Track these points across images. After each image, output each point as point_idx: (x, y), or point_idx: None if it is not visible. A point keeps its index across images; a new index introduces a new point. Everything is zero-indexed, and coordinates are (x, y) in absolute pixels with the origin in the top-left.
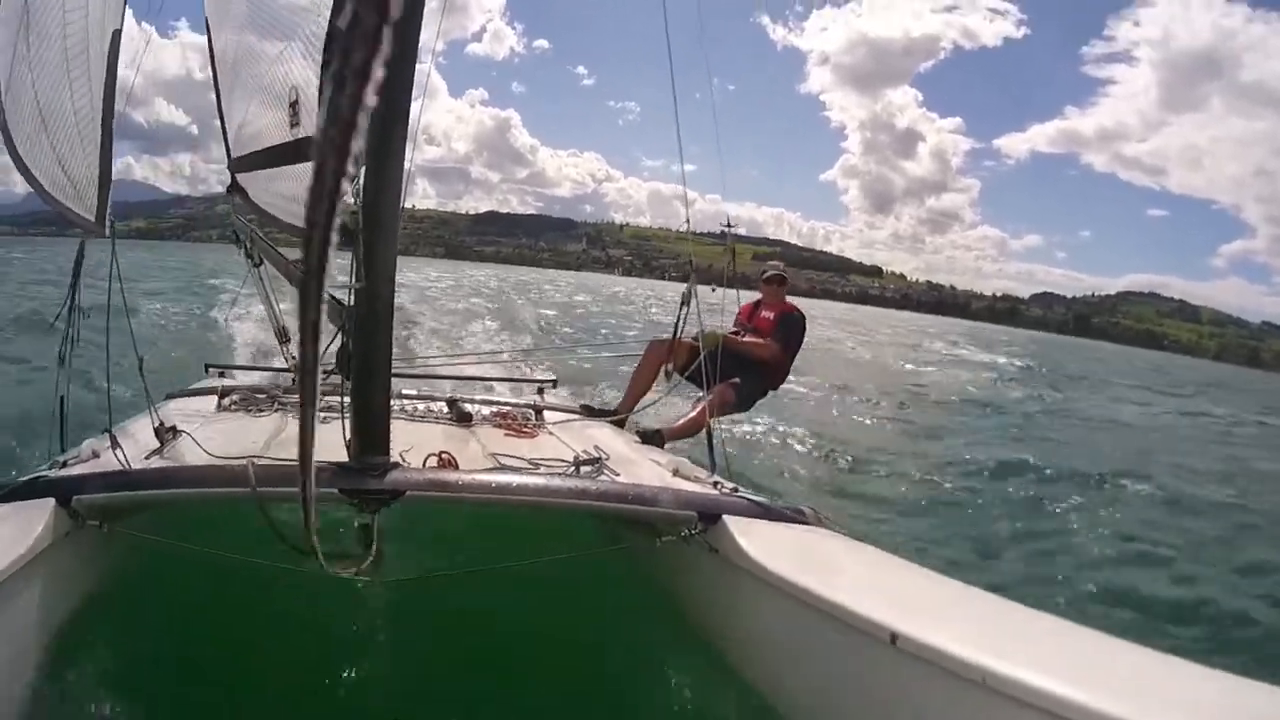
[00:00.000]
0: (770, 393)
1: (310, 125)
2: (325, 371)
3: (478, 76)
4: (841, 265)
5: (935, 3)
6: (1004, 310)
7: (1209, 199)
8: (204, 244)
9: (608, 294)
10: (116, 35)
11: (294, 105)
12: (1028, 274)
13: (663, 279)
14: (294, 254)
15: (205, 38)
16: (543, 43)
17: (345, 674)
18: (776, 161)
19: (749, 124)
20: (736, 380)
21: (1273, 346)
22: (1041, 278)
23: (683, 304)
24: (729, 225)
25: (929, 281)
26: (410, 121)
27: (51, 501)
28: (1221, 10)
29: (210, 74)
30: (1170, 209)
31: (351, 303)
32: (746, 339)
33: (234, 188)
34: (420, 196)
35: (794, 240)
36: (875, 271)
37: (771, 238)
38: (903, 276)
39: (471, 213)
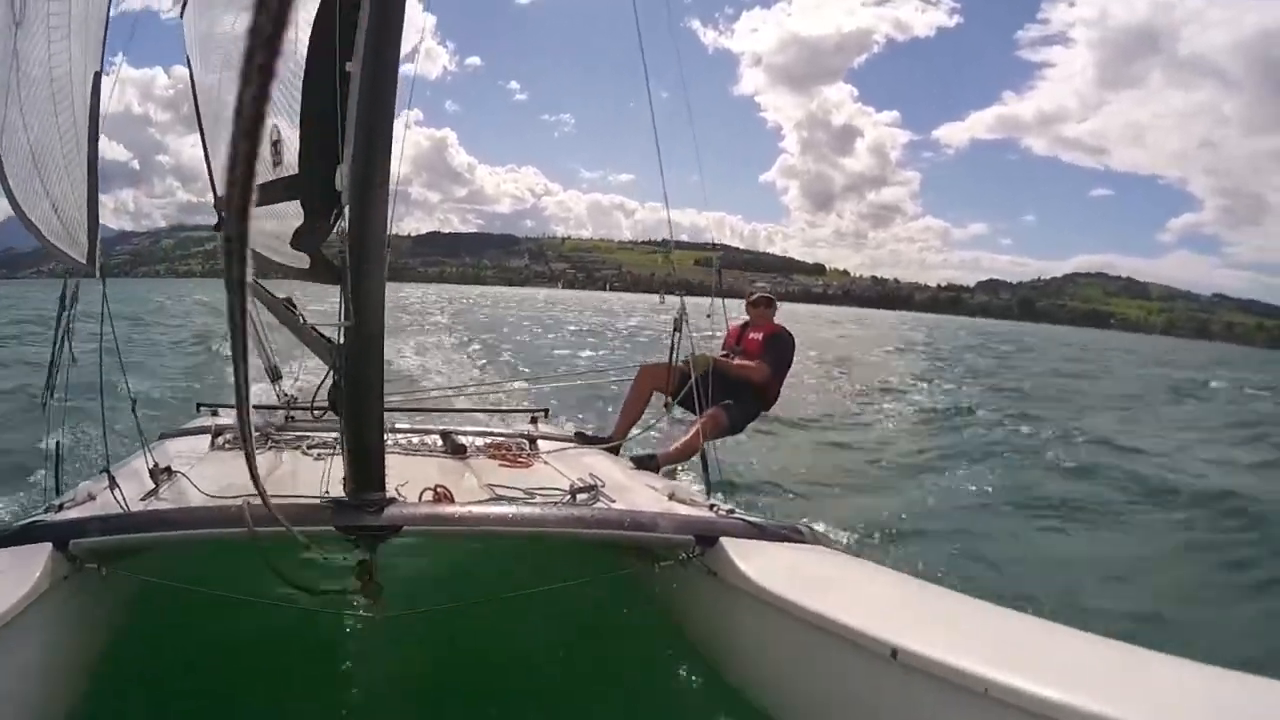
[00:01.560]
0: (763, 414)
1: (293, 164)
2: (319, 409)
3: (412, 97)
4: (785, 265)
5: None
6: (947, 300)
7: (1153, 175)
8: (151, 279)
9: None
10: (97, 77)
11: (276, 144)
12: (973, 262)
13: (602, 289)
14: (282, 292)
15: (143, 71)
16: (474, 59)
17: (347, 709)
18: (715, 165)
19: (686, 129)
20: (729, 403)
21: (1223, 318)
22: (987, 265)
23: (675, 330)
24: (714, 246)
25: (873, 276)
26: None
27: (49, 546)
28: None
29: (194, 112)
30: (1114, 187)
31: (341, 340)
32: (736, 361)
33: (221, 225)
34: None
35: (736, 243)
36: (818, 270)
37: (714, 242)
38: (846, 273)
39: (413, 234)
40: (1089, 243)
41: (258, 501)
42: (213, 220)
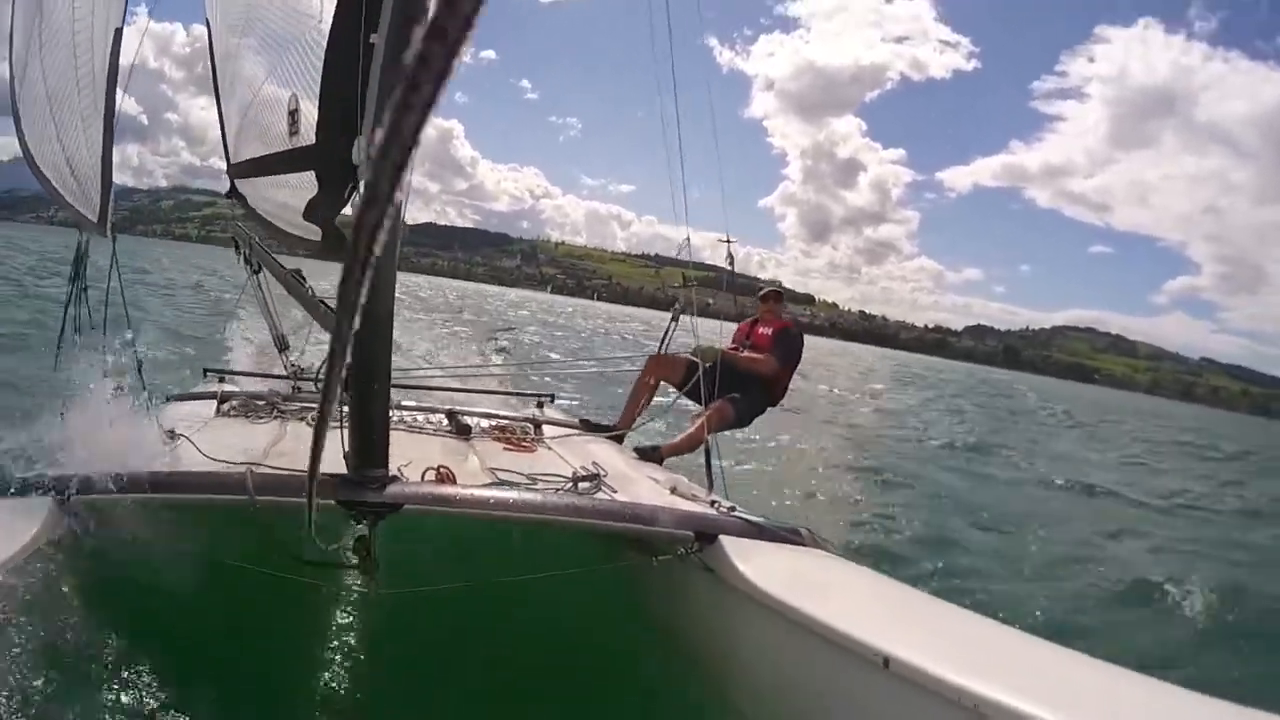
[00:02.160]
0: (770, 409)
1: (309, 134)
2: (324, 381)
3: None
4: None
5: (885, 32)
6: (933, 341)
7: (1154, 236)
8: (149, 239)
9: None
10: (118, 34)
11: (294, 114)
12: (964, 307)
13: (591, 299)
14: (291, 262)
15: (165, 25)
16: (489, 53)
17: (336, 682)
18: (716, 185)
19: (691, 146)
20: (736, 396)
21: (1209, 381)
22: (978, 311)
23: (672, 319)
24: (728, 239)
25: (861, 311)
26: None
27: (49, 500)
28: (1180, 48)
29: (210, 75)
30: (1114, 245)
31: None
32: (745, 354)
33: (233, 193)
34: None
35: (728, 265)
36: (808, 300)
37: (706, 262)
38: (835, 305)
39: (410, 223)
40: (1082, 298)
41: (261, 471)
42: (214, 185)
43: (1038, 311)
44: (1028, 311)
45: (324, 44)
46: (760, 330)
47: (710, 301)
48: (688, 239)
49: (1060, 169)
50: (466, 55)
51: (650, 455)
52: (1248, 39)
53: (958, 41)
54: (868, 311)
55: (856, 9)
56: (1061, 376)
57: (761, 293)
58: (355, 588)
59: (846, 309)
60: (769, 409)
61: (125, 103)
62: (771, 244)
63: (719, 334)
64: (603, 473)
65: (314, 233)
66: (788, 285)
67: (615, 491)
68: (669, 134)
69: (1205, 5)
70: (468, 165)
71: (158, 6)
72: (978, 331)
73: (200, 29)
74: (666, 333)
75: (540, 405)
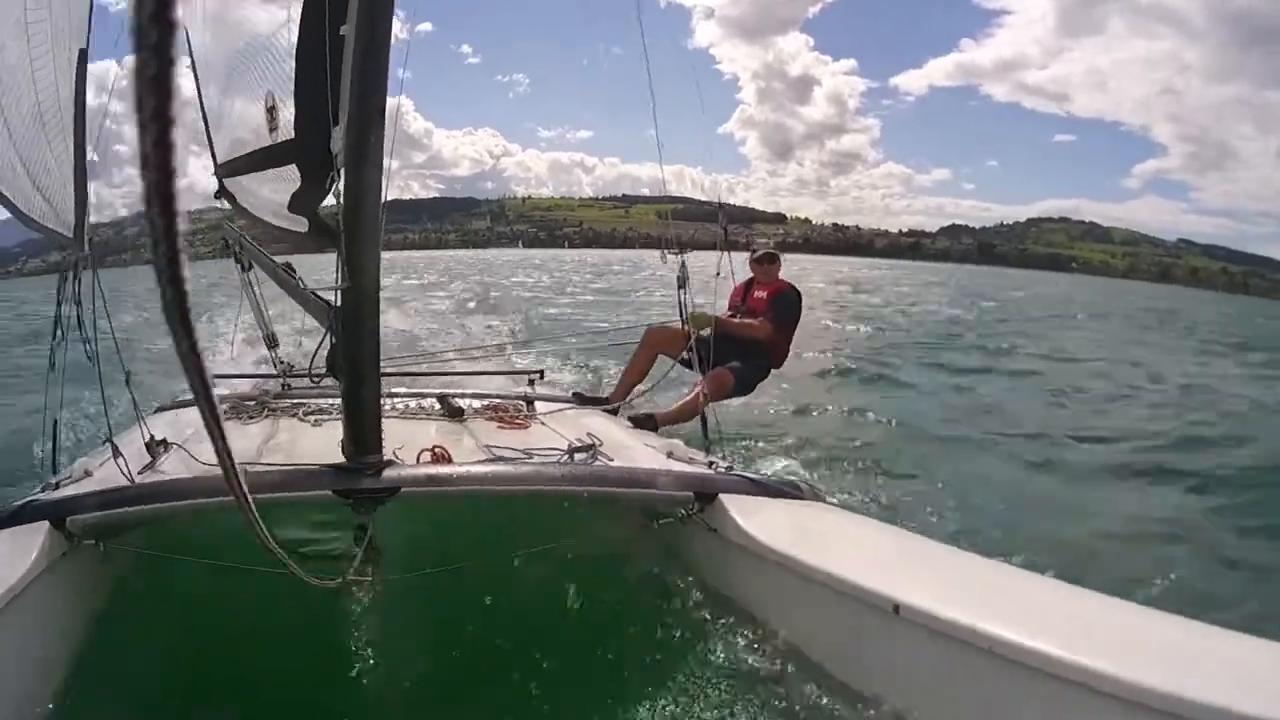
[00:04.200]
0: (773, 372)
1: (288, 129)
2: (316, 375)
3: (408, 59)
4: (745, 216)
5: None
6: (908, 245)
7: (1117, 121)
8: (118, 269)
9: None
10: (83, 54)
11: (271, 111)
12: (937, 208)
13: (563, 247)
14: (283, 258)
15: (101, 64)
16: (426, 26)
17: (349, 675)
18: (672, 119)
19: (642, 84)
20: (735, 364)
21: (1188, 263)
22: (950, 210)
23: (680, 288)
24: (720, 204)
25: (835, 224)
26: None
27: (45, 524)
28: None
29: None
30: (1078, 133)
31: (338, 303)
32: (739, 320)
33: (222, 192)
34: None
35: (698, 195)
36: (779, 219)
37: (675, 194)
38: (807, 221)
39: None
40: (1054, 188)
41: (255, 469)
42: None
43: (1011, 206)
44: (1001, 207)
45: (293, 42)
46: (756, 293)
47: (693, 233)
48: (669, 215)
49: (1013, 62)
50: (401, 31)
51: (645, 424)
52: None
53: None
54: (841, 224)
55: None
56: (1039, 268)
57: (755, 254)
58: (359, 577)
59: (820, 223)
60: (771, 372)
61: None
62: (737, 168)
63: (717, 275)
64: (598, 443)
65: (300, 224)
66: (758, 206)
67: (611, 460)
68: (629, 78)
69: None
70: (423, 137)
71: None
72: (953, 231)
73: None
74: (680, 303)
75: (532, 382)
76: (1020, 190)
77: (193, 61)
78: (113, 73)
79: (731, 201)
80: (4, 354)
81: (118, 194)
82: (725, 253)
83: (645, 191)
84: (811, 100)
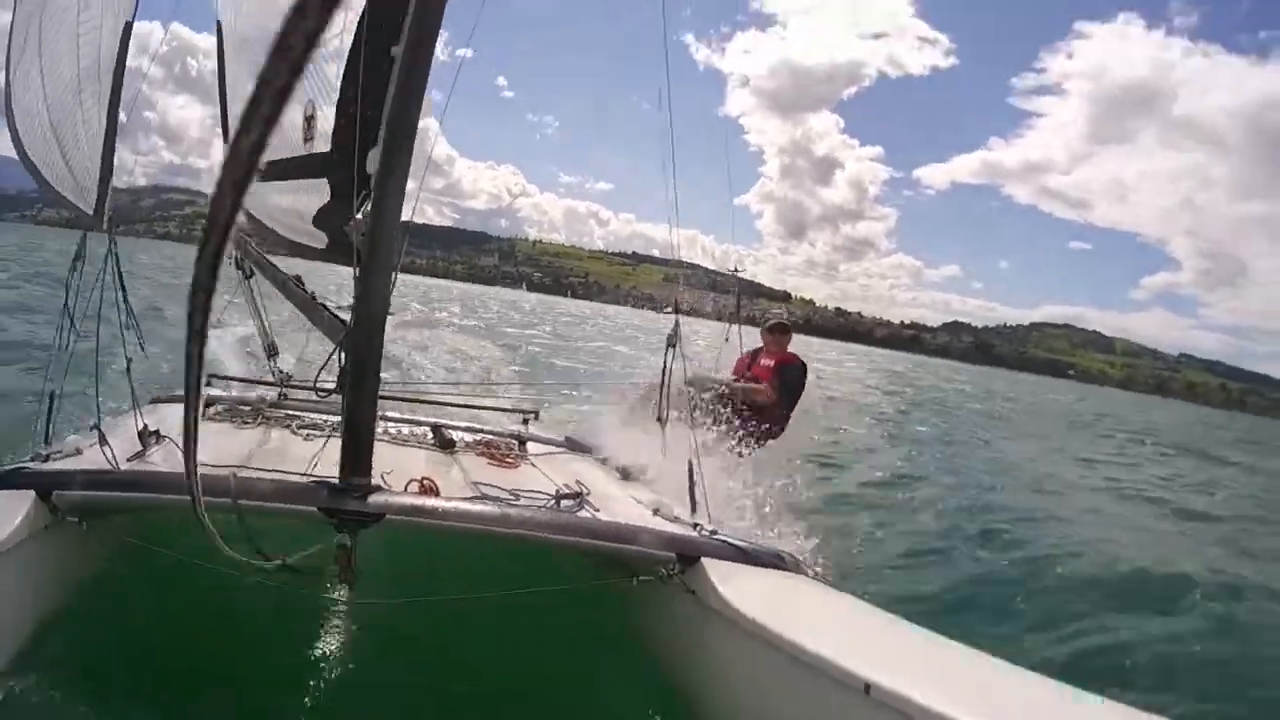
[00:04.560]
0: (770, 443)
1: (324, 142)
2: (322, 390)
3: (455, 83)
4: (752, 290)
5: (862, 29)
6: (908, 337)
7: (1134, 231)
8: (130, 238)
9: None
10: (128, 27)
11: (309, 120)
12: (943, 303)
13: (565, 296)
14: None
15: (144, 24)
16: (465, 51)
17: (308, 685)
18: (693, 183)
19: (668, 144)
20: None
21: (1186, 377)
22: (956, 307)
23: (669, 346)
24: (738, 270)
25: (837, 308)
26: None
27: (32, 494)
28: (1159, 43)
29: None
30: (1093, 241)
31: (353, 323)
32: (743, 383)
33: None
34: None
35: (707, 264)
36: (784, 297)
37: (685, 260)
38: (811, 302)
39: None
40: (1061, 294)
41: (244, 475)
42: (194, 184)
43: (1016, 309)
44: (1006, 308)
45: (343, 54)
46: (762, 362)
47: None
48: (675, 246)
49: (1039, 165)
50: (443, 54)
51: (633, 475)
52: (1228, 33)
53: (935, 38)
54: (844, 308)
55: (833, 5)
56: (1037, 372)
57: (768, 324)
58: (333, 597)
59: (823, 305)
60: (769, 442)
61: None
62: (750, 241)
63: (725, 340)
64: (585, 491)
65: (320, 239)
66: (765, 282)
67: (598, 510)
68: (658, 136)
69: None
70: (444, 163)
71: (178, 7)
72: (954, 328)
73: (177, 28)
74: (666, 363)
75: (526, 421)
76: (1027, 293)
77: (220, 55)
78: (156, 35)
79: (740, 275)
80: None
81: (140, 160)
82: (737, 325)
83: (656, 253)
84: (833, 182)
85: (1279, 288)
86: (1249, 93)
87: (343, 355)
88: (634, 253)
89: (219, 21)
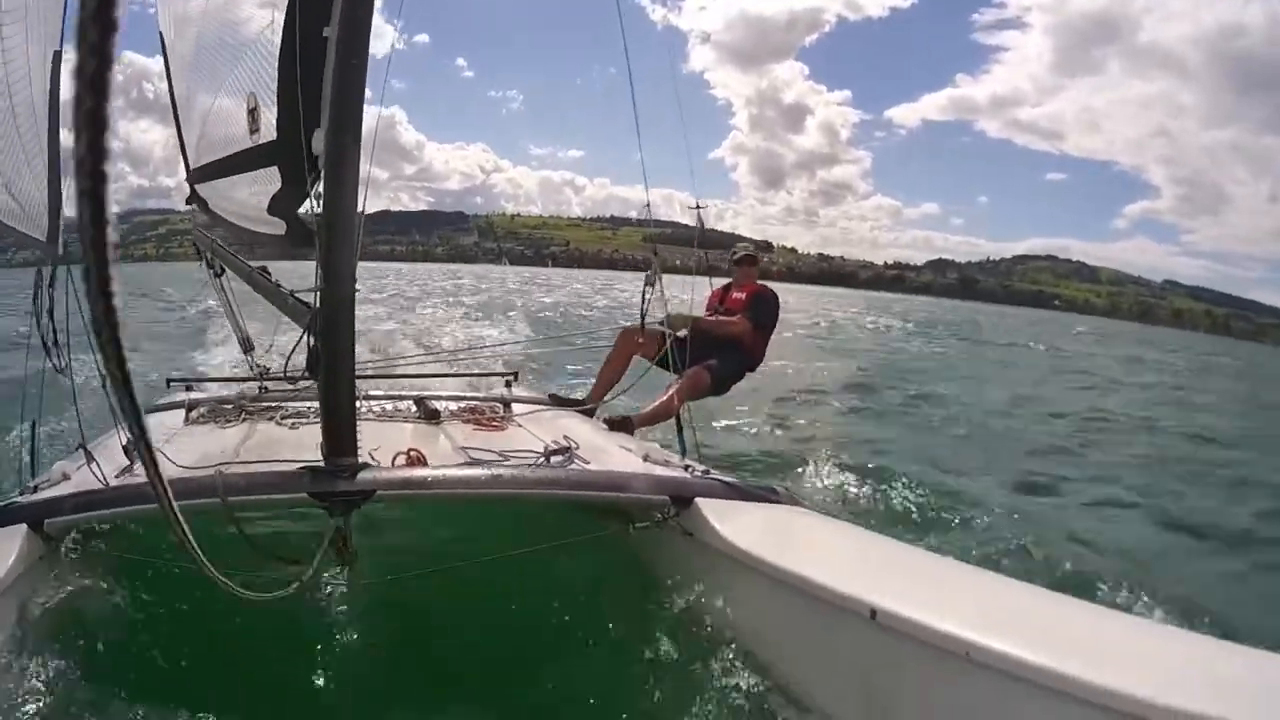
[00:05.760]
0: (748, 373)
1: (270, 130)
2: (294, 377)
3: (390, 66)
4: (732, 242)
5: None
6: (892, 278)
7: (1110, 160)
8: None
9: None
10: (57, 56)
11: (253, 112)
12: (925, 241)
13: (546, 265)
14: (255, 261)
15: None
16: (423, 37)
17: (324, 679)
18: (663, 143)
19: (633, 106)
20: (712, 362)
21: (1172, 304)
22: (939, 245)
23: (646, 284)
24: (698, 206)
25: (820, 254)
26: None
27: (23, 527)
28: None
29: (168, 91)
30: (1070, 172)
31: (318, 304)
32: (717, 318)
33: (194, 198)
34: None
35: (685, 220)
36: (766, 246)
37: (662, 219)
38: (793, 250)
39: (364, 213)
40: (1043, 226)
41: (230, 471)
42: (165, 203)
43: (999, 242)
44: (989, 243)
45: (277, 44)
46: (734, 295)
47: (679, 261)
48: (648, 205)
49: (1008, 99)
50: (400, 42)
51: (622, 426)
52: None
53: None
54: (827, 253)
55: None
56: (1022, 304)
57: (735, 256)
58: (336, 580)
59: (806, 253)
60: (747, 374)
61: (62, 136)
62: (727, 194)
63: (692, 293)
64: (574, 445)
65: (278, 226)
66: (746, 234)
67: (588, 463)
68: (623, 98)
69: None
70: (414, 149)
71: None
72: (938, 265)
73: (130, 55)
74: (644, 301)
75: (508, 384)
76: (1009, 226)
77: (166, 64)
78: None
79: (719, 228)
80: None
81: (112, 190)
82: (703, 253)
83: (633, 215)
84: (804, 129)
85: (1259, 213)
86: (1209, 21)
87: (311, 338)
88: (612, 216)
89: (161, 36)
